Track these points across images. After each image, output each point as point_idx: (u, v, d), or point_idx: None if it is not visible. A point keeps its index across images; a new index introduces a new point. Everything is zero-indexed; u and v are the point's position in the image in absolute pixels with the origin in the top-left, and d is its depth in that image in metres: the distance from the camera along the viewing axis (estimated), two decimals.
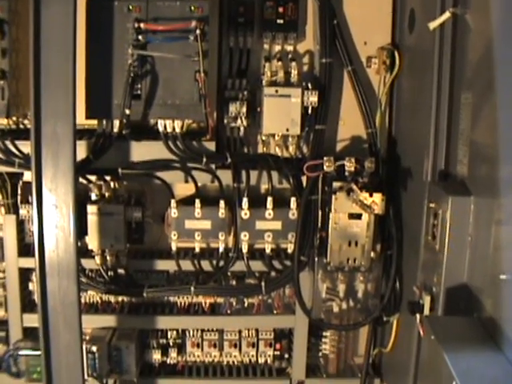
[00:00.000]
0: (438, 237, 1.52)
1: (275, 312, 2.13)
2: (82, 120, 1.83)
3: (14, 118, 1.95)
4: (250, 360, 2.18)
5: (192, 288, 1.98)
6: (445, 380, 1.18)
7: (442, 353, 1.20)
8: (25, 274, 2.07)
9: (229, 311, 2.12)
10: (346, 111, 2.01)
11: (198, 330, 2.14)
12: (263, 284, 1.97)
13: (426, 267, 1.64)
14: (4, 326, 2.13)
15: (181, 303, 2.13)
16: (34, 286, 2.07)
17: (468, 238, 1.45)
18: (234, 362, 2.18)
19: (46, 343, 1.69)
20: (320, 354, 2.20)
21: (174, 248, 1.96)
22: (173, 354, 2.14)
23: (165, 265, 2.04)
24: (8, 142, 1.91)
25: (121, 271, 2.03)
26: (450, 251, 1.47)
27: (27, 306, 2.09)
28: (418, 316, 1.59)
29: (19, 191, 2.02)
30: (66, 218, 1.62)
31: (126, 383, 2.08)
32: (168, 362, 2.16)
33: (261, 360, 2.18)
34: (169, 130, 1.85)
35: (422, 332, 1.53)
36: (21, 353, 1.99)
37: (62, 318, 1.70)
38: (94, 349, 1.93)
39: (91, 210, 1.91)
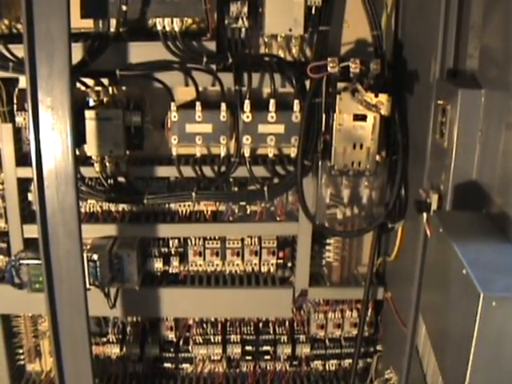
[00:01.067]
0: (447, 134, 1.49)
1: (278, 219, 2.06)
2: (77, 23, 1.79)
3: (7, 22, 1.88)
4: (253, 269, 2.19)
5: (193, 194, 1.95)
6: (453, 272, 1.16)
7: (450, 244, 1.19)
8: (23, 185, 2.06)
9: (231, 218, 2.07)
10: (351, 12, 1.97)
11: (199, 239, 2.14)
12: (266, 189, 1.94)
13: (433, 167, 1.62)
14: (5, 238, 2.13)
15: (182, 211, 2.11)
16: (33, 196, 2.04)
17: (478, 134, 1.41)
18: (236, 271, 2.18)
19: (45, 251, 1.69)
20: (323, 262, 2.18)
21: (174, 153, 1.92)
22: (175, 262, 2.14)
23: (165, 171, 2.03)
24: (1, 47, 1.84)
25: (121, 179, 2.00)
26: (459, 147, 1.44)
27: (27, 217, 2.08)
28: (424, 215, 1.56)
29: (15, 99, 1.99)
30: (63, 120, 1.59)
31: (128, 292, 2.05)
32: (170, 271, 2.17)
33: (264, 269, 2.19)
34: (168, 29, 1.78)
35: (428, 231, 1.51)
36: (22, 262, 1.95)
37: (62, 224, 1.68)
38: (95, 257, 1.93)
39: (89, 115, 1.89)
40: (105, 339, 2.27)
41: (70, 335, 1.81)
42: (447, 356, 1.27)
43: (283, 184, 1.99)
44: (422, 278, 1.75)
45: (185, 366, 2.30)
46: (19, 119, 2.00)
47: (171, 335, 2.26)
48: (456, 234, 1.25)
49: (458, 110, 1.43)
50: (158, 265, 2.15)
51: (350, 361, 2.30)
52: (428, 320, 1.47)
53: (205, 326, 2.26)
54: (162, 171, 2.03)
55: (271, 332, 2.28)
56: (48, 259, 1.72)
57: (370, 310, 2.25)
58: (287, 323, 2.28)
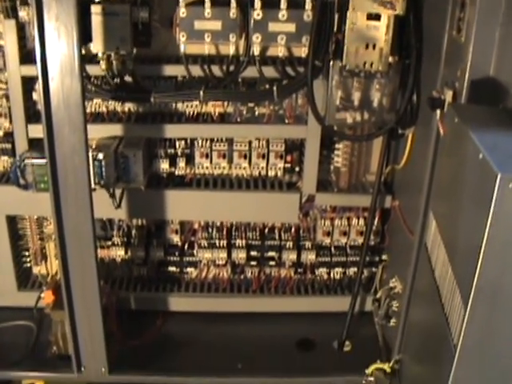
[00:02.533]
0: (464, 29, 1.46)
1: (287, 122, 2.05)
2: None
3: None
4: (260, 173, 2.21)
5: (201, 92, 1.92)
6: (469, 160, 1.15)
7: (466, 131, 1.17)
8: (28, 84, 2.05)
9: (239, 119, 2.04)
10: None
11: (206, 140, 2.13)
12: (275, 89, 1.90)
13: (448, 66, 1.59)
14: (9, 138, 2.14)
15: (189, 113, 2.10)
16: (37, 95, 2.04)
17: (497, 28, 1.37)
18: (243, 174, 2.19)
19: (50, 148, 1.73)
20: (331, 168, 2.16)
21: (182, 50, 1.87)
22: (181, 164, 2.15)
23: (173, 70, 2.04)
24: None
25: (127, 78, 1.97)
26: (477, 42, 1.43)
27: (32, 116, 2.08)
28: (438, 113, 1.53)
29: None
30: (68, 11, 1.57)
31: (134, 193, 2.06)
32: (176, 173, 2.19)
33: (271, 173, 2.21)
34: None
35: (441, 130, 1.49)
36: (27, 162, 1.95)
37: (67, 121, 1.71)
38: (101, 156, 1.94)
39: (95, 9, 1.89)
40: (110, 242, 2.28)
41: (75, 236, 1.86)
42: (459, 246, 1.27)
43: (293, 84, 1.97)
44: (432, 185, 1.74)
45: (189, 270, 2.35)
46: (22, 14, 1.99)
47: (176, 239, 2.29)
48: (472, 123, 1.24)
49: (477, 3, 1.39)
50: (164, 166, 2.17)
51: (355, 269, 2.35)
52: (439, 216, 1.47)
53: (210, 230, 2.29)
54: (170, 70, 2.03)
55: (277, 238, 2.28)
56: (53, 157, 1.75)
57: (376, 219, 2.25)
58: (293, 229, 2.29)
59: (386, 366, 1.93)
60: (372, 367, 1.95)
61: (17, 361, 2.15)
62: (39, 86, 1.66)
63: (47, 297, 2.13)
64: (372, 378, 1.94)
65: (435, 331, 1.47)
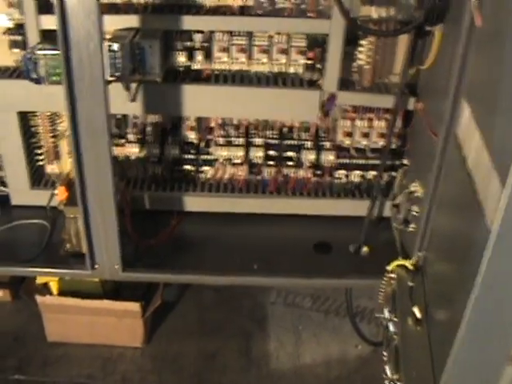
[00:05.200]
0: None
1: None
2: None
3: None
4: (280, 69, 2.14)
5: None
6: None
7: None
8: None
9: (259, 12, 1.94)
10: None
11: (225, 34, 2.00)
12: None
13: None
14: (20, 30, 2.06)
15: (208, 5, 2.00)
16: None
17: None
18: (262, 70, 2.12)
19: (64, 36, 1.66)
20: (354, 66, 2.06)
21: None
22: (199, 57, 2.07)
23: None
24: None
25: None
26: None
27: (43, 7, 1.98)
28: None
29: None
30: None
31: (149, 87, 2.00)
32: (193, 67, 2.11)
33: (291, 69, 2.12)
34: None
35: (478, 18, 1.40)
36: (39, 54, 1.88)
37: (81, 7, 1.62)
38: (116, 47, 1.85)
39: None
40: (124, 140, 2.23)
41: (90, 129, 1.80)
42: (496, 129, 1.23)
43: None
44: (461, 83, 1.67)
45: (205, 168, 2.29)
46: None
47: (192, 136, 2.23)
48: None
49: None
50: (181, 59, 2.09)
51: (375, 173, 2.30)
52: (475, 102, 1.42)
53: (227, 127, 2.21)
54: None
55: (295, 137, 2.22)
56: (66, 46, 1.65)
57: (398, 121, 2.17)
58: (312, 129, 2.22)
59: (409, 263, 1.90)
60: (393, 264, 1.92)
61: (30, 258, 2.13)
62: None
63: (60, 193, 2.11)
64: (394, 275, 1.91)
65: (467, 220, 1.46)
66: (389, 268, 1.93)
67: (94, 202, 1.94)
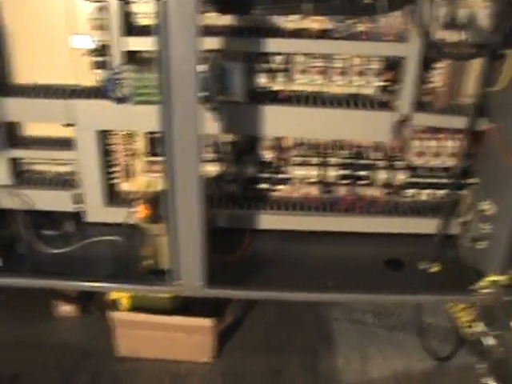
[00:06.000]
0: None
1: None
2: None
3: None
4: (356, 90, 2.20)
5: (305, 5, 1.91)
6: None
7: None
8: None
9: (337, 36, 2.03)
10: None
11: (304, 56, 2.09)
12: (380, 3, 1.89)
13: None
14: (103, 51, 2.12)
15: (286, 28, 2.08)
16: (137, 7, 2.08)
17: None
18: (339, 91, 2.19)
19: (161, 58, 1.72)
20: (428, 88, 2.12)
21: None
22: (278, 79, 2.12)
23: None
24: None
25: None
26: None
27: (129, 29, 2.07)
28: None
29: None
30: None
31: (229, 106, 2.10)
32: (272, 88, 2.16)
33: (366, 91, 2.15)
34: None
35: None
36: (125, 74, 1.96)
37: (179, 29, 1.70)
38: (203, 68, 1.87)
39: None
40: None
41: (181, 149, 1.87)
42: None
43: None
44: None
45: (280, 187, 2.32)
46: None
47: (269, 155, 2.27)
48: None
49: None
50: (262, 80, 2.13)
51: (445, 192, 2.35)
52: None
53: (302, 147, 2.25)
54: None
55: (368, 157, 2.27)
56: (164, 67, 1.72)
57: (469, 141, 2.21)
58: (385, 149, 2.25)
59: (503, 278, 1.93)
60: (487, 279, 1.95)
61: (109, 274, 2.18)
62: None
63: (141, 210, 2.15)
64: (488, 290, 1.94)
65: None
66: (482, 284, 1.96)
67: (182, 220, 1.98)
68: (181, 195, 1.94)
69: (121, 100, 2.08)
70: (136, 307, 2.46)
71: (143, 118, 2.12)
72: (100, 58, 2.14)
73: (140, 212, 2.17)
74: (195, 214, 1.97)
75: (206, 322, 2.41)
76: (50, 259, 2.29)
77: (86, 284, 2.21)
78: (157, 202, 2.18)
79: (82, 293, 2.65)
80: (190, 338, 2.44)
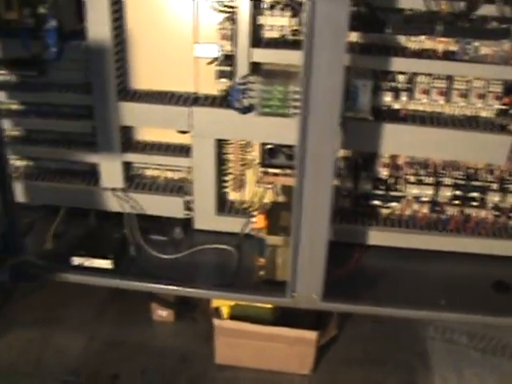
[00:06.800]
0: None
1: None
2: None
3: None
4: (475, 112, 2.22)
5: (438, 27, 1.91)
6: None
7: None
8: (255, 7, 2.07)
9: (462, 57, 2.08)
10: None
11: (428, 76, 2.12)
12: None
13: None
14: (229, 61, 2.17)
15: (411, 47, 2.11)
16: (264, 19, 2.08)
17: None
18: (459, 113, 2.21)
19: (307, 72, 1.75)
20: None
21: None
22: (402, 98, 2.17)
23: (406, 3, 2.05)
24: None
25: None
26: None
27: (255, 40, 2.11)
28: None
29: None
30: None
31: (357, 121, 2.13)
32: (393, 107, 2.20)
33: (484, 114, 2.19)
34: None
35: None
36: (253, 86, 2.05)
37: (328, 45, 1.74)
38: None
39: None
40: None
41: (315, 163, 1.92)
42: None
43: None
44: None
45: (392, 204, 2.34)
46: None
47: (385, 172, 2.30)
48: None
49: None
50: (387, 98, 2.18)
51: None
52: None
53: (417, 166, 2.28)
54: (408, 2, 2.01)
55: (481, 179, 2.29)
56: (307, 80, 1.74)
57: None
58: (499, 171, 2.28)
59: None
60: None
61: (222, 282, 2.23)
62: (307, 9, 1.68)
63: (259, 221, 2.20)
64: None
65: None
66: None
67: (306, 232, 2.02)
68: (309, 208, 1.98)
69: (245, 110, 2.13)
70: (235, 316, 2.49)
71: (263, 129, 2.17)
72: (225, 68, 2.18)
73: (258, 222, 2.21)
74: (321, 228, 2.01)
75: (309, 335, 2.42)
76: (159, 264, 2.35)
77: (199, 291, 2.25)
78: (274, 213, 2.22)
79: (178, 298, 2.69)
80: (292, 350, 2.46)
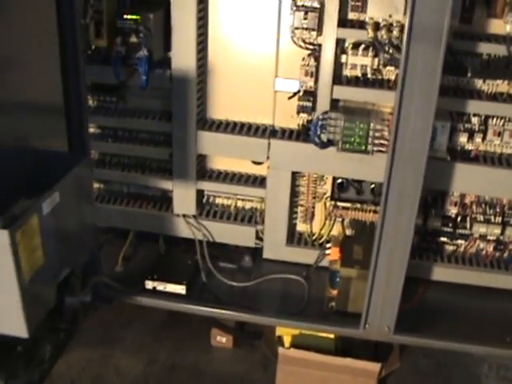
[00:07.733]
0: None
1: None
2: None
3: None
4: None
5: None
6: None
7: None
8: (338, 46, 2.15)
9: None
10: None
11: (501, 119, 2.19)
12: None
13: None
14: (309, 97, 2.25)
15: (486, 91, 2.17)
16: (346, 58, 2.14)
17: None
18: None
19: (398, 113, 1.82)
20: None
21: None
22: (477, 139, 2.23)
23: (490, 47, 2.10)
24: None
25: None
26: None
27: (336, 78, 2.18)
28: None
29: None
30: None
31: (435, 161, 2.17)
32: (466, 148, 2.26)
33: None
34: None
35: None
36: (334, 122, 2.13)
37: (417, 88, 1.83)
38: None
39: None
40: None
41: (399, 199, 2.00)
42: None
43: None
44: None
45: (459, 242, 2.40)
46: None
47: (454, 211, 2.36)
48: None
49: None
50: (463, 139, 2.25)
51: None
52: None
53: (484, 205, 2.35)
54: (487, 47, 2.07)
55: None
56: (398, 120, 1.82)
57: None
58: None
59: None
60: None
61: (293, 311, 2.27)
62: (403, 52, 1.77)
63: (333, 253, 2.27)
64: None
65: None
66: None
67: (385, 266, 2.08)
68: (389, 244, 2.04)
69: (324, 145, 2.20)
70: (297, 345, 2.54)
71: (338, 164, 2.24)
72: (306, 103, 2.26)
73: (332, 254, 2.27)
74: (400, 263, 2.07)
75: (373, 366, 2.48)
76: (229, 291, 2.41)
77: (272, 319, 2.31)
78: (347, 246, 2.28)
79: (239, 325, 2.75)
80: (353, 381, 2.51)
